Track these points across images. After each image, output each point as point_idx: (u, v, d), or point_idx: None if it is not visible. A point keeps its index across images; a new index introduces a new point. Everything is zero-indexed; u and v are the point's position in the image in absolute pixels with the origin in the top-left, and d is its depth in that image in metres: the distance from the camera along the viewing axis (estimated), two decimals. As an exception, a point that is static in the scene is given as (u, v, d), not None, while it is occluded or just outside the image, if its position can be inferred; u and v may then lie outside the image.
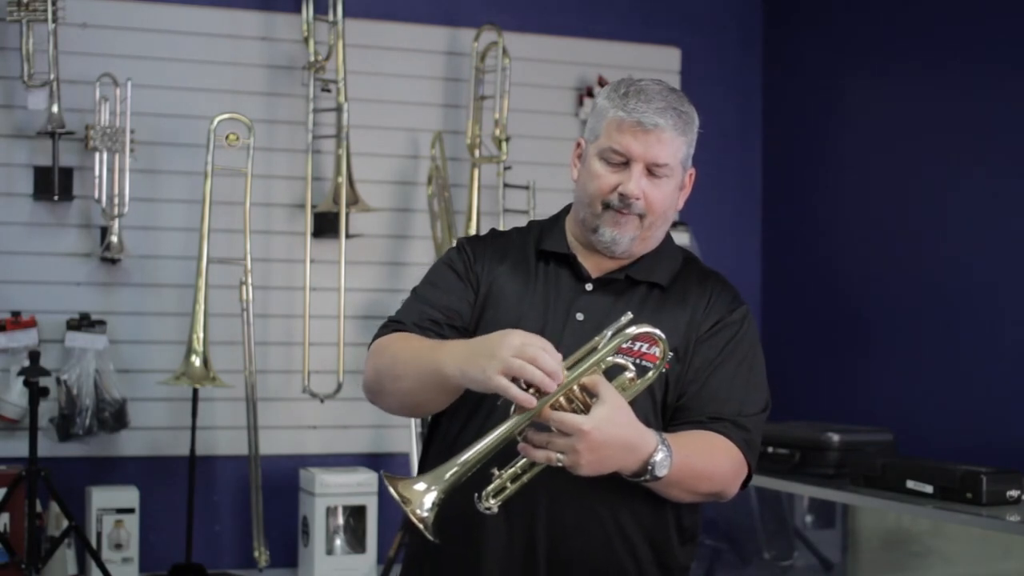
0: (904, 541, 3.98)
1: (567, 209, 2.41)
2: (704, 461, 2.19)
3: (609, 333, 2.08)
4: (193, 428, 4.08)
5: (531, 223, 2.46)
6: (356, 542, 4.19)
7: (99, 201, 4.08)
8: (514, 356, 1.99)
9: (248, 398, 4.15)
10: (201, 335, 4.00)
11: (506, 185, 4.48)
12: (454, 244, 2.45)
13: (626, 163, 2.24)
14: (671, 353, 2.18)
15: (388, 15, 4.54)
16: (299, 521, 4.25)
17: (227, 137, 4.07)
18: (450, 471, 2.02)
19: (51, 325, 4.10)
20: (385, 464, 4.38)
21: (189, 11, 4.32)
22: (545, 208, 4.17)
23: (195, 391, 4.07)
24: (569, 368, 2.04)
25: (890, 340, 4.41)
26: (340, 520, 4.18)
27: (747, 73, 5.04)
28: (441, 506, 2.01)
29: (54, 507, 3.88)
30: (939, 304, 4.22)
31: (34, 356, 3.82)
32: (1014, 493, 3.47)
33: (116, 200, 4.09)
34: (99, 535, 4.00)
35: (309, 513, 4.17)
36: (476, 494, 2.06)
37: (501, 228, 3.86)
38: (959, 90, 4.20)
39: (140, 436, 4.20)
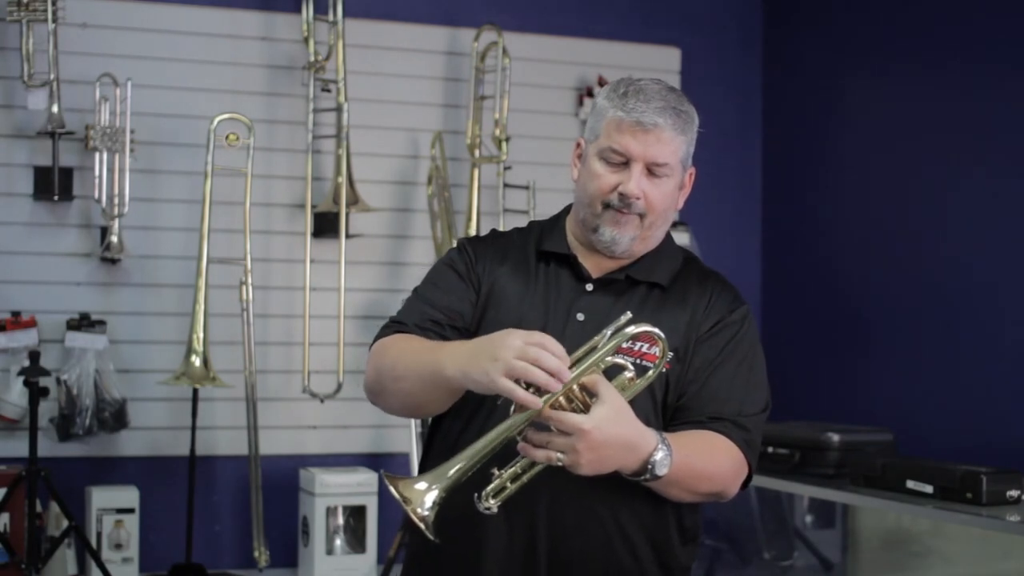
0: (904, 541, 3.98)
1: (567, 209, 2.41)
2: (704, 461, 2.19)
3: (609, 333, 2.08)
4: (193, 428, 4.08)
5: (531, 223, 2.46)
6: (356, 542, 4.19)
7: (99, 201, 4.08)
8: (517, 358, 1.99)
9: (248, 398, 4.15)
10: (201, 335, 4.00)
11: (506, 185, 4.48)
12: (454, 244, 2.45)
13: (626, 163, 2.23)
14: (671, 353, 2.18)
15: (388, 15, 4.54)
16: (299, 521, 4.25)
17: (227, 137, 4.07)
18: (451, 471, 2.02)
19: (51, 325, 4.10)
20: (385, 464, 4.38)
21: (189, 11, 4.32)
22: (545, 208, 4.17)
23: (195, 391, 4.07)
24: (569, 367, 2.04)
25: (890, 340, 4.41)
26: (340, 520, 4.18)
27: (747, 73, 5.04)
28: (441, 506, 2.01)
29: (54, 507, 3.88)
30: (939, 304, 4.22)
31: (34, 356, 3.82)
32: (1014, 493, 3.47)
33: (116, 200, 4.09)
34: (99, 535, 4.00)
35: (309, 513, 4.17)
36: (476, 494, 2.06)
37: (501, 228, 3.86)
38: (959, 90, 4.20)
39: (140, 436, 4.20)
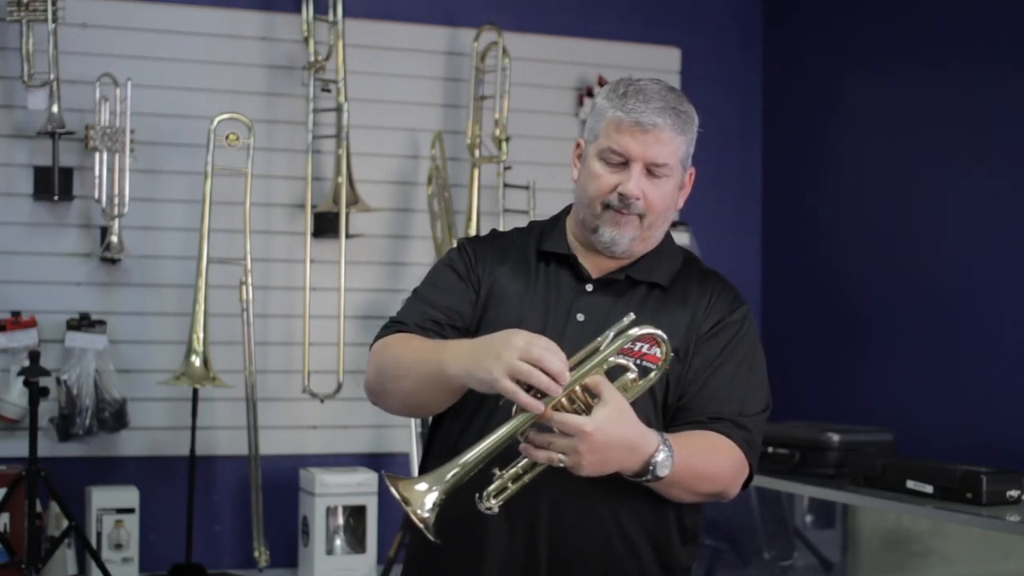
0: (904, 541, 3.98)
1: (567, 209, 2.41)
2: (705, 461, 2.19)
3: (612, 334, 2.08)
4: (193, 428, 4.08)
5: (531, 223, 2.46)
6: (356, 542, 4.19)
7: (99, 201, 4.08)
8: (519, 358, 1.99)
9: (248, 398, 4.15)
10: (201, 335, 4.00)
11: (506, 185, 4.48)
12: (454, 244, 2.45)
13: (625, 163, 2.23)
14: (672, 354, 2.18)
15: (388, 15, 4.54)
16: (299, 521, 4.25)
17: (227, 137, 4.07)
18: (451, 471, 2.02)
19: (51, 325, 4.10)
20: (385, 464, 4.38)
21: (189, 11, 4.32)
22: (545, 208, 4.17)
23: (195, 391, 4.07)
24: (571, 369, 2.04)
25: (890, 340, 4.41)
26: (340, 520, 4.18)
27: (747, 73, 5.04)
28: (442, 506, 2.01)
29: (54, 507, 3.88)
30: (939, 304, 4.22)
31: (34, 356, 3.82)
32: (1014, 493, 3.47)
33: (116, 200, 4.09)
34: (99, 535, 4.00)
35: (309, 513, 4.17)
36: (477, 494, 2.06)
37: (501, 228, 3.86)
38: (959, 90, 4.20)
39: (140, 436, 4.20)
